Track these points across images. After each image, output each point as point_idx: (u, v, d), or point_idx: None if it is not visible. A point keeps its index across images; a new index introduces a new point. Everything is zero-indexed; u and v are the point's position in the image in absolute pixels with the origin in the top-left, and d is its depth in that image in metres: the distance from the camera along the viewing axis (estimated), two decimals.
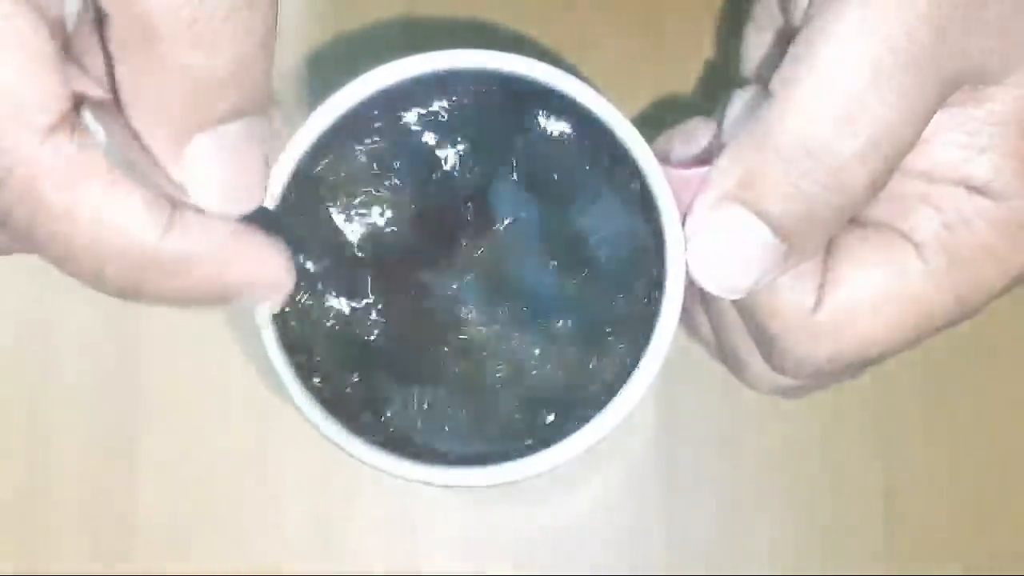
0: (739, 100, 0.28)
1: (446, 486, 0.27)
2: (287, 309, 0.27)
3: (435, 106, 0.28)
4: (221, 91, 0.23)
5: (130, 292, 0.24)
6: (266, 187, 0.25)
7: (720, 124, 0.29)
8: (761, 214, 0.26)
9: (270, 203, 0.27)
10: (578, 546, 0.39)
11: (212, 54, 0.22)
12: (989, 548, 0.38)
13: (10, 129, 0.22)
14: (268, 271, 0.25)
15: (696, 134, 0.30)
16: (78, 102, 0.23)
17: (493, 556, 0.39)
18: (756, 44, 0.32)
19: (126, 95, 0.23)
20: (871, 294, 0.27)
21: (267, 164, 0.25)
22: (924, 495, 0.38)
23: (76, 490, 0.39)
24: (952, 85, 0.26)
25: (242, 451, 0.39)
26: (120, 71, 0.23)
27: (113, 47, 0.23)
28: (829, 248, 0.28)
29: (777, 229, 0.26)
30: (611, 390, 0.27)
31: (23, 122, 0.22)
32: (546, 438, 0.27)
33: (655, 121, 0.34)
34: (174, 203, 0.24)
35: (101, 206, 0.23)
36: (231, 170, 0.24)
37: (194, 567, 0.39)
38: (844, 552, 0.38)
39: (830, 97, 0.25)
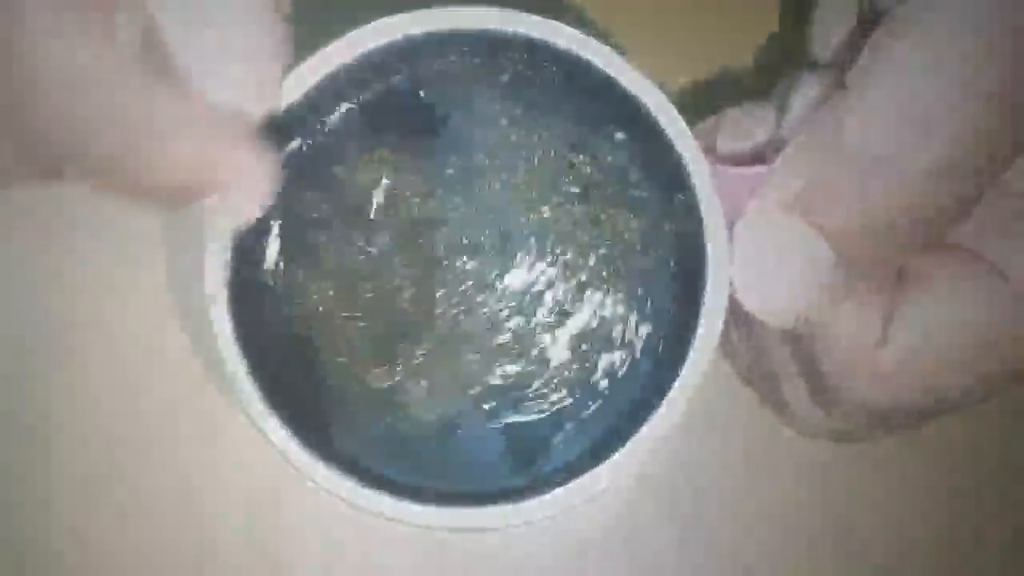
0: (807, 88, 0.26)
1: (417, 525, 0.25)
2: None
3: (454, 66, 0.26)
4: None
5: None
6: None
7: (781, 112, 0.26)
8: (822, 228, 0.24)
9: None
10: (577, 547, 0.37)
11: None
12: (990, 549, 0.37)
13: None
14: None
15: (749, 122, 0.27)
16: None
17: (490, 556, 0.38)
18: (830, 17, 0.28)
19: None
20: (947, 330, 0.25)
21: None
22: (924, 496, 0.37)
23: None
24: None
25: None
26: None
27: None
28: (899, 275, 0.25)
29: (838, 247, 0.24)
30: (646, 408, 0.26)
31: None
32: (561, 473, 0.26)
33: (702, 100, 0.32)
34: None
35: None
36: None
37: None
38: (847, 553, 0.37)
39: (910, 98, 0.23)
